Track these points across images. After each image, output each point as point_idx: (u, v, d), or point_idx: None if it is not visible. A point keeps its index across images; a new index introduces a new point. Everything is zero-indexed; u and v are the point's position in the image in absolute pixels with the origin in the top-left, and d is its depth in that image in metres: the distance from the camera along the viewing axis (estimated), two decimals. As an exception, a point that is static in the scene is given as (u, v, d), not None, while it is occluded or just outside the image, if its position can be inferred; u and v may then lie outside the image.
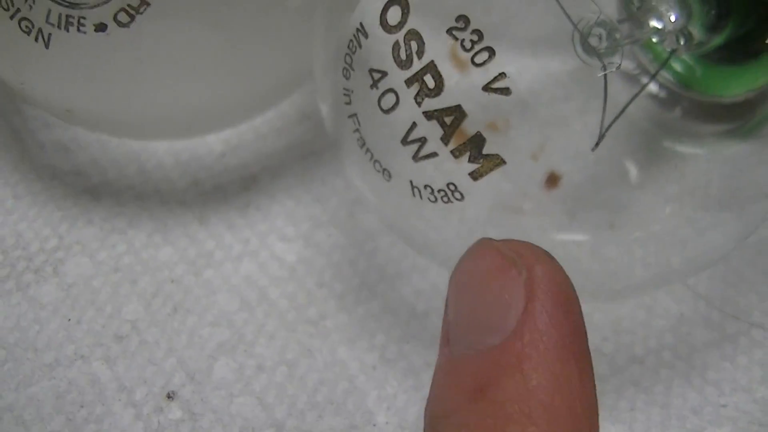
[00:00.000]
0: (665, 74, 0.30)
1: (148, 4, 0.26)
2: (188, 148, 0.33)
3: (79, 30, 0.27)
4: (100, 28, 0.26)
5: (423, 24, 0.24)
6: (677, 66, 0.30)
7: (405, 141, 0.24)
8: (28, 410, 0.27)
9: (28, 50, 0.27)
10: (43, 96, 0.29)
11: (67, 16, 0.26)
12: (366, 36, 0.24)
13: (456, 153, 0.23)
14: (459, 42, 0.23)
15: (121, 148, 0.33)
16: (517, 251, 0.19)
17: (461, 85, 0.24)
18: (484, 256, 0.20)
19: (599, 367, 0.28)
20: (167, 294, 0.30)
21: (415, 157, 0.24)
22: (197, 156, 0.33)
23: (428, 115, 0.23)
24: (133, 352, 0.29)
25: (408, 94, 0.24)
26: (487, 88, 0.23)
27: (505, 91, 0.23)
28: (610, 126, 0.25)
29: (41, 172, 0.33)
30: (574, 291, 0.19)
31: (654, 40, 0.27)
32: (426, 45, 0.23)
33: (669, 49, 0.28)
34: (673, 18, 0.27)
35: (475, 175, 0.24)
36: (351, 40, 0.25)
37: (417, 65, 0.23)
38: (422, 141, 0.24)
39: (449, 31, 0.23)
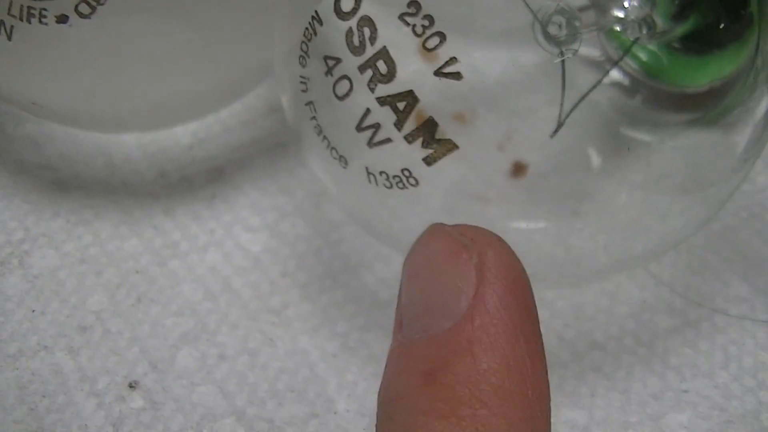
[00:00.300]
0: (630, 63, 0.30)
1: (109, -5, 0.26)
2: (156, 140, 0.34)
3: (41, 21, 0.27)
4: (62, 19, 0.27)
5: (379, 11, 0.24)
6: (642, 55, 0.30)
7: (359, 127, 0.24)
8: (-8, 400, 0.27)
9: (-10, 43, 0.27)
10: (8, 89, 0.30)
11: (29, 8, 0.27)
12: (321, 23, 0.24)
13: (409, 138, 0.24)
14: (411, 27, 0.23)
15: (89, 142, 0.34)
16: (468, 236, 0.19)
17: (419, 72, 0.24)
18: (436, 241, 0.20)
19: (560, 353, 0.29)
20: (132, 284, 0.30)
21: (370, 144, 0.24)
22: (164, 148, 0.33)
23: (381, 100, 0.24)
24: (96, 343, 0.29)
25: (361, 81, 0.24)
26: (438, 72, 0.23)
27: (456, 75, 0.23)
28: (569, 113, 0.25)
29: (9, 165, 0.33)
30: (526, 275, 0.19)
31: (617, 28, 0.28)
32: (379, 31, 0.23)
33: (632, 38, 0.28)
34: (635, 6, 0.27)
35: (428, 161, 0.24)
36: (307, 28, 0.25)
37: (370, 51, 0.24)
38: (376, 127, 0.24)
39: (401, 16, 0.23)
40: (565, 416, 0.28)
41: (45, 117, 0.32)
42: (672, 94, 0.29)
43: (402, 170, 0.24)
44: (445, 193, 0.25)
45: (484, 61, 0.25)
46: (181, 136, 0.34)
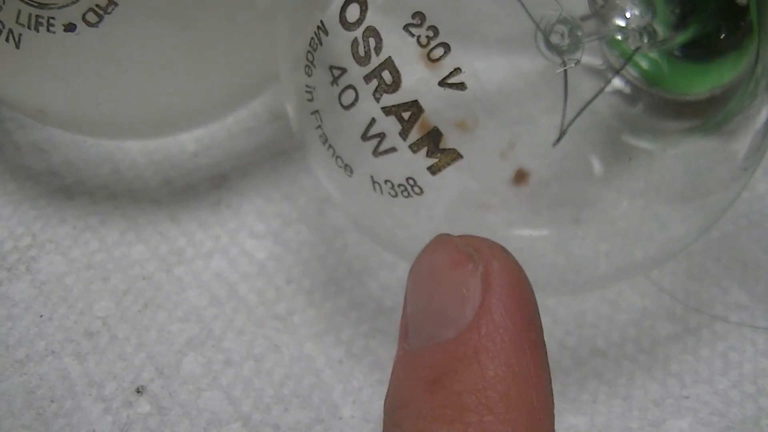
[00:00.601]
0: (632, 71, 0.31)
1: (116, 4, 0.27)
2: (161, 147, 0.34)
3: (48, 30, 0.27)
4: (70, 28, 0.27)
5: (384, 21, 0.24)
6: (644, 63, 0.30)
7: (365, 136, 0.24)
8: (-1, 405, 0.28)
9: (-2, 51, 0.28)
10: (15, 96, 0.30)
11: (37, 17, 0.27)
12: (326, 33, 0.25)
13: (414, 148, 0.24)
14: (416, 38, 0.23)
15: (95, 149, 0.34)
16: (473, 246, 0.20)
17: (423, 81, 0.24)
18: (442, 251, 0.20)
19: (562, 360, 0.29)
20: (138, 291, 0.30)
21: (375, 153, 0.24)
22: (170, 155, 0.34)
23: (386, 110, 0.24)
24: (103, 348, 0.29)
25: (367, 90, 0.24)
26: (443, 83, 0.23)
27: (461, 86, 0.23)
28: (572, 122, 0.25)
29: (16, 172, 0.33)
30: (530, 285, 0.20)
31: (618, 37, 0.28)
32: (384, 42, 0.24)
33: (633, 47, 0.28)
34: (636, 15, 0.27)
35: (433, 170, 0.24)
36: (312, 38, 0.25)
37: (375, 61, 0.24)
38: (381, 136, 0.24)
39: (405, 27, 0.23)
40: (567, 422, 0.28)
41: (51, 124, 0.32)
42: (673, 102, 0.29)
43: (407, 179, 0.24)
44: (449, 201, 0.26)
45: (486, 69, 0.26)
46: (186, 143, 0.34)
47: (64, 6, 0.27)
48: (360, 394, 0.28)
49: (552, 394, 0.19)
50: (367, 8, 0.24)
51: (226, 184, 0.33)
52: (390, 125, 0.24)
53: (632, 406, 0.28)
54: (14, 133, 0.34)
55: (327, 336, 0.29)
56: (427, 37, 0.23)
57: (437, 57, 0.23)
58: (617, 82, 0.30)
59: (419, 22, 0.23)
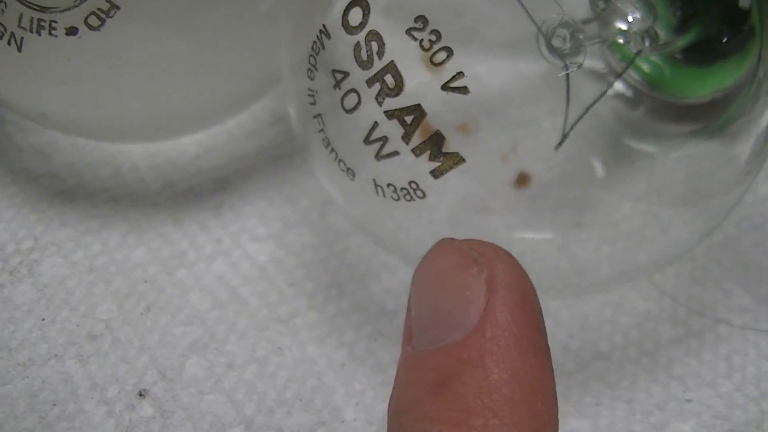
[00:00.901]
0: (633, 75, 0.31)
1: (118, 8, 0.27)
2: (162, 150, 0.34)
3: (50, 33, 0.27)
4: (72, 31, 0.27)
5: (386, 25, 0.24)
6: (645, 66, 0.30)
7: (367, 140, 0.24)
8: (2, 409, 0.28)
9: (1, 54, 0.28)
10: (17, 99, 0.30)
11: (39, 20, 0.27)
12: (329, 37, 0.25)
13: (417, 151, 0.24)
14: (418, 42, 0.23)
15: (96, 152, 0.34)
16: (478, 250, 0.20)
17: (425, 85, 0.24)
18: (446, 255, 0.20)
19: (565, 363, 0.29)
20: (140, 293, 0.30)
21: (378, 156, 0.24)
22: (171, 159, 0.34)
23: (389, 114, 0.24)
24: (106, 351, 0.29)
25: (369, 94, 0.24)
26: (445, 87, 0.23)
27: (463, 90, 0.23)
28: (573, 125, 0.25)
29: (17, 175, 0.33)
30: (534, 288, 0.20)
31: (620, 40, 0.28)
32: (387, 45, 0.24)
33: (634, 50, 0.28)
34: (638, 18, 0.27)
35: (435, 173, 0.24)
36: (314, 42, 0.25)
37: (378, 65, 0.24)
38: (384, 140, 0.24)
39: (408, 31, 0.23)
40: (570, 425, 0.28)
41: (53, 127, 0.32)
42: (674, 106, 0.29)
43: (409, 183, 0.24)
44: (451, 205, 0.26)
45: (487, 72, 0.26)
46: (188, 146, 0.34)
47: (66, 9, 0.27)
48: (362, 397, 0.28)
49: (556, 398, 0.19)
50: (369, 12, 0.24)
51: (228, 187, 0.33)
52: (392, 129, 0.24)
53: (635, 409, 0.28)
54: (16, 136, 0.34)
55: (329, 339, 0.29)
56: (430, 41, 0.23)
57: (440, 61, 0.23)
58: (619, 86, 0.30)
59: (422, 26, 0.23)
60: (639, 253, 0.27)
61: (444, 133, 0.24)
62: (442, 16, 0.24)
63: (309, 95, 0.26)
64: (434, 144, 0.24)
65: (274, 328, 0.30)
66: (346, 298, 0.31)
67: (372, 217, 0.27)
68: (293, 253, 0.32)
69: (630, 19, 0.27)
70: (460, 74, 0.23)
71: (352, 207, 0.27)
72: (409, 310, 0.21)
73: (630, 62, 0.30)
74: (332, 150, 0.26)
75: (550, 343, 0.27)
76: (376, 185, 0.25)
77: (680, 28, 0.28)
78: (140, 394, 0.28)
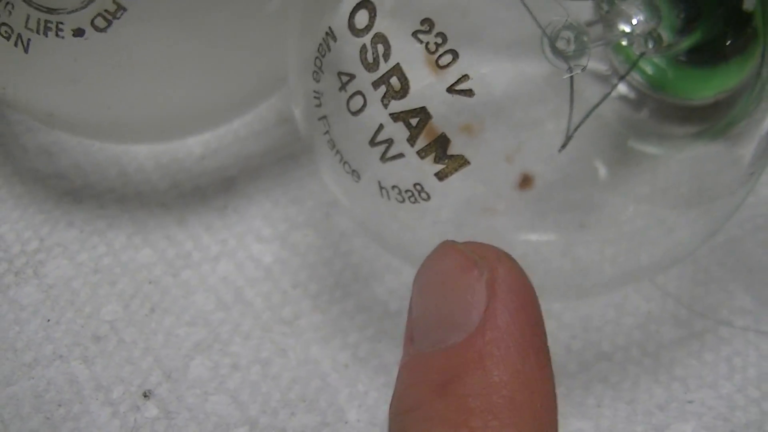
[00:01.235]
0: (637, 77, 0.31)
1: (125, 9, 0.27)
2: (169, 151, 0.34)
3: (57, 35, 0.27)
4: (78, 33, 0.27)
5: (392, 27, 0.24)
6: (648, 68, 0.30)
7: (373, 142, 0.25)
8: (8, 409, 0.28)
9: (8, 55, 0.28)
10: (24, 100, 0.30)
11: (46, 21, 0.27)
12: (335, 39, 0.25)
13: (422, 154, 0.24)
14: (424, 45, 0.24)
15: (102, 152, 0.34)
16: (479, 253, 0.20)
17: (430, 87, 0.24)
18: (447, 257, 0.20)
19: (568, 364, 0.29)
20: (145, 294, 0.30)
21: (383, 158, 0.25)
22: (177, 159, 0.34)
23: (394, 116, 0.24)
24: (110, 352, 0.29)
25: (375, 96, 0.24)
26: (450, 89, 0.24)
27: (468, 92, 0.23)
28: (577, 127, 0.25)
29: (24, 175, 0.33)
30: (534, 291, 0.20)
31: (623, 43, 0.28)
32: (392, 48, 0.24)
33: (638, 52, 0.28)
34: (642, 21, 0.27)
35: (440, 176, 0.24)
36: (321, 44, 0.25)
37: (383, 68, 0.24)
38: (389, 142, 0.24)
39: (414, 34, 0.23)
40: (572, 426, 0.28)
41: (61, 128, 0.32)
42: (678, 107, 0.30)
43: (414, 185, 0.24)
44: (455, 206, 0.26)
45: (492, 73, 0.26)
46: (194, 147, 0.34)
47: (73, 11, 0.27)
48: (366, 398, 0.28)
49: (556, 399, 0.19)
50: (375, 14, 0.24)
51: (233, 187, 0.33)
52: (398, 131, 0.24)
53: (637, 410, 0.29)
54: (22, 136, 0.34)
55: (333, 340, 0.30)
56: (436, 43, 0.23)
57: (445, 64, 0.23)
58: (622, 88, 0.30)
59: (428, 28, 0.23)
60: (642, 254, 0.27)
61: (449, 134, 0.24)
62: (448, 17, 0.24)
63: (315, 97, 0.26)
64: (439, 146, 0.24)
65: (278, 329, 0.30)
66: (350, 299, 0.31)
67: (376, 219, 0.27)
68: (298, 253, 0.32)
69: (634, 21, 0.27)
70: (465, 77, 0.24)
71: (357, 208, 0.27)
72: (410, 311, 0.21)
73: (633, 64, 0.30)
74: (337, 152, 0.26)
75: (552, 344, 0.27)
76: (381, 187, 0.25)
77: (684, 30, 0.28)
78: (145, 395, 0.28)
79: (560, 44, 0.26)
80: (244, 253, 0.32)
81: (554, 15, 0.26)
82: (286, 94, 0.33)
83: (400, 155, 0.24)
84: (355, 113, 0.25)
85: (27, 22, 0.27)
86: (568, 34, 0.26)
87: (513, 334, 0.19)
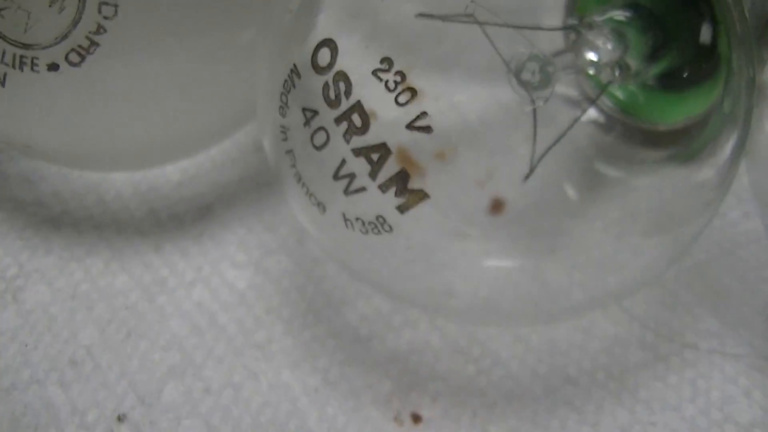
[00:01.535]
0: (607, 102, 0.31)
1: (98, 45, 0.27)
2: (146, 178, 0.35)
3: (32, 69, 0.28)
4: (53, 67, 0.28)
5: (353, 66, 0.25)
6: (619, 94, 0.31)
7: (336, 176, 0.25)
8: (-15, 433, 0.29)
9: (-16, 89, 0.28)
10: (1, 132, 0.31)
11: (21, 56, 0.28)
12: (299, 76, 0.25)
13: (383, 188, 0.25)
14: (383, 83, 0.24)
15: (81, 180, 0.35)
16: None
17: (397, 119, 0.25)
18: None
19: (534, 387, 0.30)
20: (122, 320, 0.31)
21: (346, 192, 0.25)
22: (155, 186, 0.34)
23: (356, 152, 0.25)
24: (87, 376, 0.30)
25: (337, 132, 0.25)
26: (410, 126, 0.24)
27: (427, 129, 0.24)
28: (543, 155, 0.26)
29: (4, 203, 0.34)
30: None
31: (590, 72, 0.28)
32: (354, 85, 0.25)
33: (605, 81, 0.29)
34: (608, 50, 0.28)
35: (401, 209, 0.25)
36: (286, 80, 0.26)
37: (345, 105, 0.25)
38: (351, 176, 0.25)
39: (374, 72, 0.24)
40: (537, 450, 0.29)
41: (39, 158, 0.33)
42: (648, 132, 0.30)
43: (377, 217, 0.25)
44: (424, 232, 0.26)
45: (464, 99, 0.26)
46: (172, 174, 0.35)
47: (47, 47, 0.27)
48: (335, 422, 0.29)
49: None
50: (337, 53, 0.25)
51: (209, 214, 0.34)
52: (360, 166, 0.25)
53: (600, 433, 0.29)
54: (3, 164, 0.35)
55: (304, 364, 0.30)
56: (395, 82, 0.24)
57: (404, 102, 0.24)
58: (593, 113, 0.31)
59: (387, 67, 0.24)
60: (610, 278, 0.28)
61: (421, 161, 0.25)
62: (419, 45, 0.24)
63: (281, 131, 0.27)
64: (400, 180, 0.25)
65: (251, 353, 0.30)
66: (322, 324, 0.31)
67: (344, 249, 0.28)
68: (271, 279, 0.32)
69: (600, 50, 0.28)
70: (423, 114, 0.24)
71: (324, 239, 0.28)
72: None
73: (599, 95, 0.31)
74: (303, 185, 0.26)
75: (519, 368, 0.28)
76: (346, 219, 0.26)
77: (652, 57, 0.28)
78: (119, 419, 0.29)
79: (525, 75, 0.26)
80: (218, 279, 0.32)
81: (522, 46, 0.26)
82: (256, 128, 0.34)
83: (363, 189, 0.25)
84: (319, 148, 0.25)
85: (3, 57, 0.28)
86: (533, 65, 0.26)
87: None
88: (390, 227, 0.25)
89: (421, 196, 0.25)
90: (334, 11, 0.26)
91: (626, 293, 0.30)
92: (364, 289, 0.32)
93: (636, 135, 0.30)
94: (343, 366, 0.30)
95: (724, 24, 0.26)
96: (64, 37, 0.27)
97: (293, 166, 0.26)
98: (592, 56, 0.28)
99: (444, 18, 0.25)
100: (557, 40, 0.28)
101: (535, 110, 0.26)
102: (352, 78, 0.25)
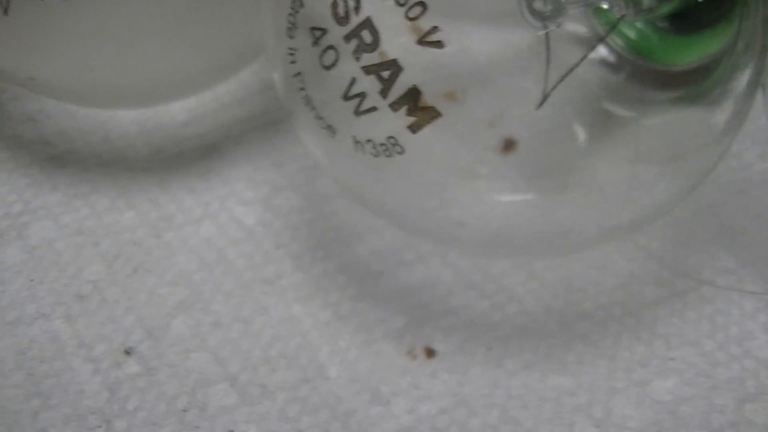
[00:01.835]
0: (618, 41, 0.31)
1: (105, -29, 0.27)
2: (152, 117, 0.34)
3: (37, -3, 0.27)
4: (57, -5, 0.27)
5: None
6: (631, 33, 0.30)
7: (346, 96, 0.25)
8: (-10, 366, 0.28)
9: (-13, 18, 0.28)
10: (4, 63, 0.30)
11: (26, -18, 0.27)
12: (307, -5, 0.25)
13: (394, 107, 0.24)
14: (393, -2, 0.24)
15: (87, 119, 0.34)
16: None
17: (405, 47, 0.24)
18: None
19: (549, 322, 0.29)
20: (128, 255, 0.31)
21: (356, 112, 0.25)
22: (161, 125, 0.34)
23: (366, 69, 0.24)
24: (93, 311, 0.29)
25: (347, 50, 0.24)
26: (421, 41, 0.24)
27: (438, 44, 0.24)
28: (555, 86, 0.25)
29: (9, 141, 0.34)
30: None
31: (603, 5, 0.28)
32: (362, 1, 0.24)
33: (618, 15, 0.28)
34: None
35: (413, 128, 0.24)
36: (294, 0, 0.25)
37: (354, 21, 0.24)
38: (362, 96, 0.25)
39: (384, -14, 0.24)
40: (552, 382, 0.28)
41: (42, 92, 0.32)
42: (659, 72, 0.30)
43: (388, 138, 0.25)
44: (435, 166, 0.26)
45: (475, 40, 0.26)
46: (177, 113, 0.34)
47: (52, -28, 0.27)
48: (347, 354, 0.29)
49: None
50: (347, -32, 0.24)
51: (216, 152, 0.33)
52: (370, 84, 0.24)
53: (618, 366, 0.29)
54: (6, 103, 0.35)
55: (314, 299, 0.30)
56: (406, -5, 0.23)
57: (415, 15, 0.24)
58: (603, 51, 0.30)
59: (396, -19, 0.23)
60: (623, 212, 0.27)
61: (429, 99, 0.24)
62: None
63: (289, 54, 0.26)
64: (411, 98, 0.24)
65: (260, 288, 0.30)
66: (332, 259, 0.31)
67: (354, 176, 0.27)
68: (280, 216, 0.32)
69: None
70: (435, 28, 0.24)
71: (334, 166, 0.28)
72: None
73: (612, 27, 0.30)
74: (313, 108, 0.26)
75: (533, 303, 0.28)
76: (356, 141, 0.25)
77: (665, -8, 0.28)
78: (126, 352, 0.28)
79: (537, 5, 0.26)
80: (226, 216, 0.32)
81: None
82: (265, 58, 0.33)
83: (373, 108, 0.24)
84: (329, 68, 0.25)
85: (6, -17, 0.27)
86: (545, -5, 0.26)
87: None
88: (402, 149, 0.25)
89: (434, 114, 0.24)
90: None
91: (639, 227, 0.29)
92: (375, 224, 0.31)
93: (647, 75, 0.30)
94: (355, 301, 0.30)
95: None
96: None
97: (302, 89, 0.26)
98: (604, -12, 0.27)
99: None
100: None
101: (548, 35, 0.26)
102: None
